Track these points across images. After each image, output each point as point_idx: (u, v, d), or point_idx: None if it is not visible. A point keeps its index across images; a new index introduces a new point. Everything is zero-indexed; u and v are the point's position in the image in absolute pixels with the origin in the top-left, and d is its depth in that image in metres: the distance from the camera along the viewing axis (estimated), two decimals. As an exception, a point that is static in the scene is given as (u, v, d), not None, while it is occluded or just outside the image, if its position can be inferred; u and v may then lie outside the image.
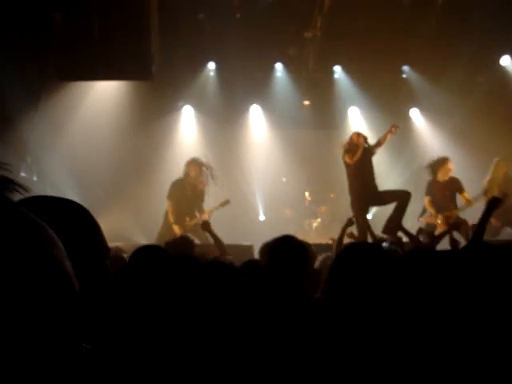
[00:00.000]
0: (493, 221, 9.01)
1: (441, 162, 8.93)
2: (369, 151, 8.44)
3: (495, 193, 9.02)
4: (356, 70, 11.05)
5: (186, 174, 8.93)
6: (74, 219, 1.38)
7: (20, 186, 0.71)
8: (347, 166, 8.44)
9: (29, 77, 7.72)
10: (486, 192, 8.59)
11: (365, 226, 7.94)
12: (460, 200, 8.91)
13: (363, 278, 2.40)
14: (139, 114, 10.58)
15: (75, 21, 7.05)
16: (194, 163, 8.93)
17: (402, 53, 10.43)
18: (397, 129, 8.49)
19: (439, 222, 8.62)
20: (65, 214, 1.38)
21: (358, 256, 2.52)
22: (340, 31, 9.73)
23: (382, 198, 8.40)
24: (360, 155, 8.25)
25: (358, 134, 8.57)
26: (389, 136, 8.51)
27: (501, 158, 9.52)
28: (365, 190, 8.29)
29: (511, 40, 9.20)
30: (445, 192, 8.86)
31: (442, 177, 8.91)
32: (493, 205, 4.54)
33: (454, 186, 8.90)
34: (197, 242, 7.07)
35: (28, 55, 7.13)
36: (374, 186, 8.45)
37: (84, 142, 10.05)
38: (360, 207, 8.21)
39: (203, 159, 9.03)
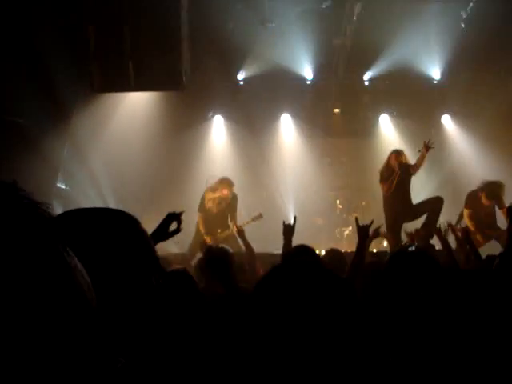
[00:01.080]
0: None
1: (496, 192, 8.56)
2: (406, 173, 8.30)
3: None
4: (386, 77, 11.00)
5: (217, 189, 8.94)
6: (122, 230, 1.40)
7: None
8: (383, 192, 8.40)
9: (63, 88, 7.87)
10: None
11: (398, 236, 7.92)
12: (499, 216, 8.63)
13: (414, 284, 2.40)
14: (170, 125, 10.69)
15: (107, 33, 7.17)
16: (224, 182, 8.94)
17: (433, 59, 10.36)
18: (431, 146, 8.21)
19: (478, 239, 8.34)
20: (113, 225, 1.42)
21: (409, 263, 2.53)
22: (369, 38, 9.72)
23: (416, 212, 8.32)
24: (396, 183, 8.17)
25: (397, 155, 8.42)
26: (425, 156, 8.27)
27: None
28: (400, 213, 8.24)
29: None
30: (485, 208, 8.59)
31: (485, 199, 8.60)
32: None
33: (496, 202, 8.61)
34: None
35: (62, 67, 7.28)
36: (410, 205, 8.36)
37: (116, 153, 10.18)
38: (394, 223, 8.19)
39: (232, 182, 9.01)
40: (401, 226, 8.35)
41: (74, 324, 0.70)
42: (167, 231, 3.38)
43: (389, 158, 8.49)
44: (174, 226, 3.44)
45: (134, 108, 10.13)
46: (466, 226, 8.48)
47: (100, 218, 1.42)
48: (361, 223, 4.78)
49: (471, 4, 8.87)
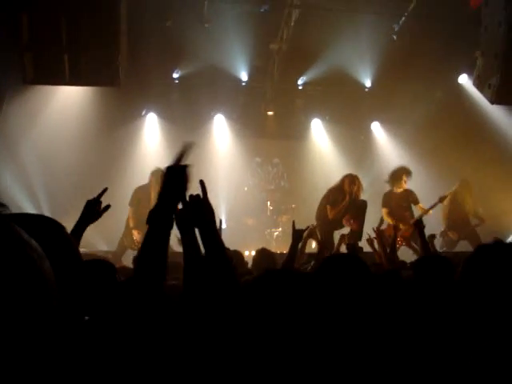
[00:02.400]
0: (451, 234, 9.35)
1: (397, 174, 9.12)
2: (352, 204, 8.47)
3: (445, 208, 9.39)
4: (320, 82, 11.24)
5: (150, 181, 8.96)
6: (48, 236, 1.41)
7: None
8: (328, 215, 8.52)
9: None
10: (441, 200, 8.83)
11: (330, 242, 8.12)
12: (416, 211, 9.14)
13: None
14: (103, 120, 10.50)
15: (43, 23, 6.97)
16: (157, 173, 8.97)
17: (365, 67, 10.70)
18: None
19: (402, 227, 8.83)
20: (40, 231, 1.42)
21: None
22: (305, 44, 9.91)
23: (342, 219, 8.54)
24: (342, 208, 8.34)
25: (351, 181, 8.48)
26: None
27: (465, 179, 9.77)
28: (332, 224, 8.44)
29: (468, 60, 9.55)
30: (401, 203, 9.08)
31: (397, 188, 9.11)
32: (418, 227, 4.98)
33: (410, 197, 9.12)
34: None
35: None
36: (341, 219, 8.58)
37: (47, 147, 9.92)
38: (326, 231, 8.39)
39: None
40: (332, 233, 8.60)
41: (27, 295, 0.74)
42: (95, 214, 3.44)
43: (343, 181, 8.51)
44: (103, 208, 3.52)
45: (66, 102, 9.88)
46: (389, 225, 8.94)
47: (26, 225, 1.43)
48: (290, 226, 4.95)
49: (403, 18, 9.23)
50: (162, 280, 1.76)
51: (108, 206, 3.54)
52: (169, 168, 1.97)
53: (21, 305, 0.72)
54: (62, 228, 1.51)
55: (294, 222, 4.98)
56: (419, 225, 5.16)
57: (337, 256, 3.07)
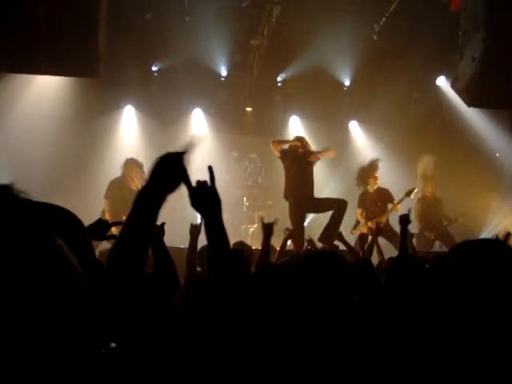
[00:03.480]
0: (427, 234, 9.47)
1: (365, 173, 9.20)
2: (303, 157, 8.52)
3: (428, 188, 9.53)
4: (299, 79, 11.26)
5: (123, 173, 8.98)
6: (66, 226, 1.40)
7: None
8: (282, 160, 8.57)
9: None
10: (407, 194, 8.97)
11: (302, 234, 8.10)
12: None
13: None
14: (80, 111, 10.40)
15: (19, 11, 6.84)
16: (131, 164, 9.01)
17: (345, 66, 10.74)
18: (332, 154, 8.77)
19: (371, 225, 8.87)
20: (58, 220, 1.40)
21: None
22: (286, 40, 9.90)
23: (319, 205, 8.51)
24: (294, 160, 8.36)
25: (299, 137, 8.76)
26: (323, 155, 8.67)
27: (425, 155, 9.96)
28: (302, 202, 8.37)
29: (447, 62, 9.64)
30: (377, 202, 9.14)
31: (372, 187, 9.18)
32: (404, 222, 4.90)
33: (385, 196, 9.19)
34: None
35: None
36: (310, 193, 8.55)
37: (22, 136, 9.78)
38: (297, 214, 8.31)
39: (139, 161, 9.08)
40: (304, 217, 8.58)
41: (68, 308, 0.72)
42: (100, 233, 3.35)
43: (292, 139, 8.82)
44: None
45: (42, 92, 9.74)
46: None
47: (44, 213, 1.39)
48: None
49: (384, 18, 9.27)
50: (140, 270, 1.69)
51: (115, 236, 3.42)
52: (165, 156, 1.79)
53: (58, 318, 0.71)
54: (78, 220, 1.47)
55: (261, 217, 4.97)
56: (405, 219, 4.93)
57: (319, 254, 3.05)
